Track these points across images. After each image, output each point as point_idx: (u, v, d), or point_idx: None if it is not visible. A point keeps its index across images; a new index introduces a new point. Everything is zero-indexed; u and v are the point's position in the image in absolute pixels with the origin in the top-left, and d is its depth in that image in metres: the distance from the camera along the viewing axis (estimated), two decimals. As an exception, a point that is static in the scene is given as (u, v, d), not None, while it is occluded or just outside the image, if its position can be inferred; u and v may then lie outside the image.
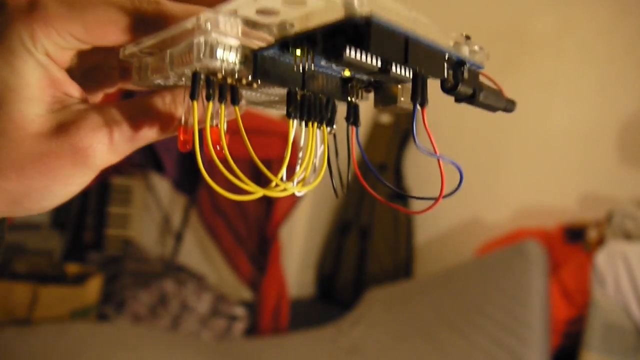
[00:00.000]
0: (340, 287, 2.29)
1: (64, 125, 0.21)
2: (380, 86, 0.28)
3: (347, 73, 0.27)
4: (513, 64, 2.15)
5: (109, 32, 0.22)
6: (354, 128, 0.28)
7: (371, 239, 2.24)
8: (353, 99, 0.27)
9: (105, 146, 0.22)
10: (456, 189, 0.26)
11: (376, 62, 0.22)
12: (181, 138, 0.23)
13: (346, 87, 0.27)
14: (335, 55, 0.20)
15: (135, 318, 1.31)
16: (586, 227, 1.63)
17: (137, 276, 1.46)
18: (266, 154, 1.36)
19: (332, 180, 0.28)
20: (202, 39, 0.20)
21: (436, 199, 0.25)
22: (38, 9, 0.20)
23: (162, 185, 2.07)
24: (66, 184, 0.22)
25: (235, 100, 0.23)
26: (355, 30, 0.20)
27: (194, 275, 1.66)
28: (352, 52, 0.20)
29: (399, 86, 0.28)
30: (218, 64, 0.21)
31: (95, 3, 0.21)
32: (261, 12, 0.21)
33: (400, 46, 0.22)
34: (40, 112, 0.21)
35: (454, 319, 1.37)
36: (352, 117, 0.27)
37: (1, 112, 0.20)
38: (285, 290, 1.59)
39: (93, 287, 1.23)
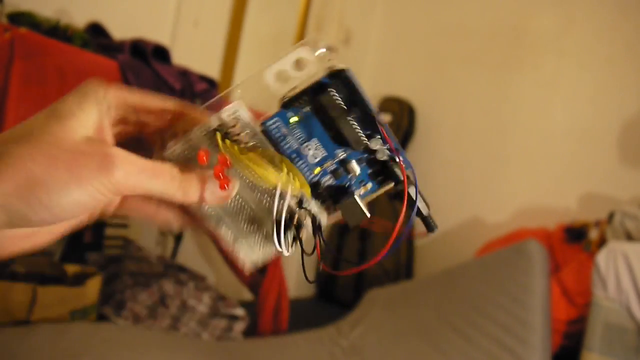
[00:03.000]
0: (340, 287, 2.28)
1: (100, 140, 0.26)
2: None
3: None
4: (513, 63, 2.15)
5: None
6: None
7: (371, 239, 2.23)
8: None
9: (129, 163, 0.25)
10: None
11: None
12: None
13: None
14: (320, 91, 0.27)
15: (135, 318, 1.31)
16: (587, 227, 1.63)
17: (137, 276, 1.46)
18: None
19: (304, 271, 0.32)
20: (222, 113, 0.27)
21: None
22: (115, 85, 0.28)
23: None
24: (84, 186, 0.24)
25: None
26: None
27: (194, 275, 1.66)
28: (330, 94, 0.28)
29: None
30: (227, 119, 0.27)
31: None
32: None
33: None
34: (87, 134, 0.26)
35: (454, 319, 1.37)
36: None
37: (58, 123, 0.25)
38: (285, 290, 1.59)
39: (93, 288, 1.23)
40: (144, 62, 1.07)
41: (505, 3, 2.20)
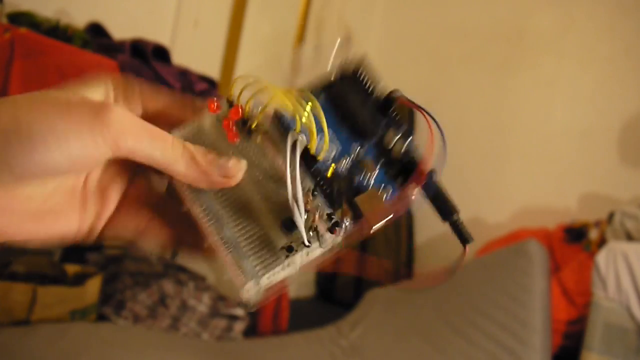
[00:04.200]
0: (340, 287, 2.28)
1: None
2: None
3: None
4: (513, 63, 2.15)
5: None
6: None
7: (371, 239, 2.23)
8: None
9: (129, 118, 0.23)
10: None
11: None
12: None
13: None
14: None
15: (135, 318, 1.31)
16: (587, 227, 1.63)
17: (137, 276, 1.46)
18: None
19: None
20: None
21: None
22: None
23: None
24: (74, 140, 0.21)
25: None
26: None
27: (194, 275, 1.66)
28: None
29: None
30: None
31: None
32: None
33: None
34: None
35: (454, 319, 1.37)
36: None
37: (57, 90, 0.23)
38: (285, 290, 1.59)
39: (92, 288, 1.23)
40: (144, 62, 1.07)
41: (505, 3, 2.20)
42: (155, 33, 1.39)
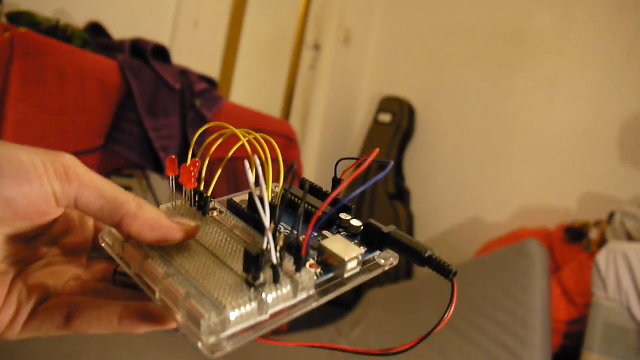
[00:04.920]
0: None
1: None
2: None
3: None
4: (513, 63, 2.15)
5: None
6: None
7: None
8: None
9: (82, 165, 0.23)
10: None
11: None
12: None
13: None
14: None
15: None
16: (587, 227, 1.63)
17: (137, 276, 1.46)
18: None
19: None
20: None
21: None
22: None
23: (162, 186, 2.07)
24: (36, 179, 0.21)
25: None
26: None
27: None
28: None
29: None
30: None
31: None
32: None
33: None
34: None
35: (454, 319, 1.37)
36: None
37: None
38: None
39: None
40: (144, 62, 1.07)
41: (505, 3, 2.20)
42: (155, 33, 1.39)
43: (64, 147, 0.91)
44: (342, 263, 0.26)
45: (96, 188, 0.23)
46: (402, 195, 2.27)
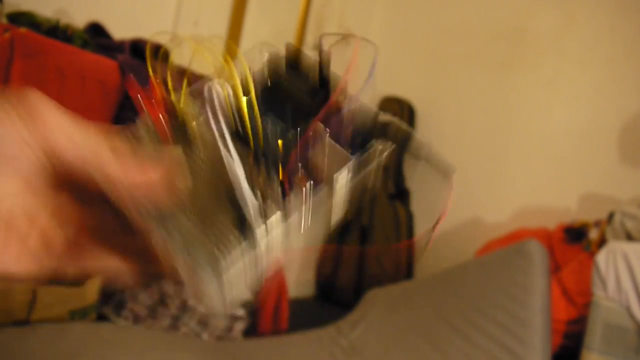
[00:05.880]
0: (340, 287, 2.28)
1: None
2: None
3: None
4: (513, 63, 2.15)
5: None
6: None
7: (371, 239, 2.23)
8: None
9: (60, 114, 0.21)
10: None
11: None
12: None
13: None
14: None
15: (135, 318, 1.31)
16: (587, 227, 1.63)
17: (137, 276, 1.46)
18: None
19: None
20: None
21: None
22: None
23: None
24: (7, 130, 0.20)
25: None
26: None
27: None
28: None
29: None
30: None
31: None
32: None
33: None
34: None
35: (454, 319, 1.37)
36: None
37: None
38: (285, 290, 1.59)
39: (92, 288, 1.23)
40: (144, 62, 1.07)
41: (505, 3, 2.20)
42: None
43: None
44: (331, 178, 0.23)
45: (76, 153, 0.21)
46: (402, 195, 2.27)
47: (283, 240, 0.23)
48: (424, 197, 2.28)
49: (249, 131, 0.23)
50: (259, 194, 0.22)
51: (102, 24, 1.19)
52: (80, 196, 0.24)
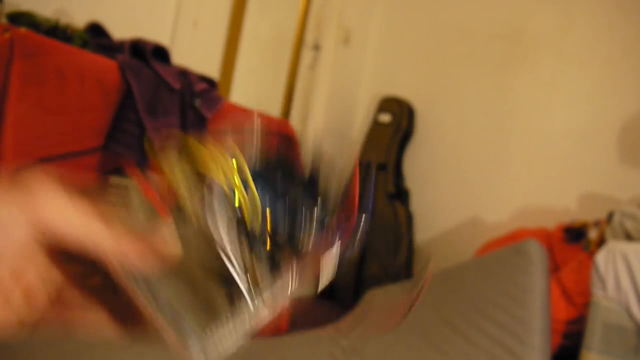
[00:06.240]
0: (340, 287, 2.28)
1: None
2: None
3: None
4: (513, 64, 2.15)
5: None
6: None
7: (371, 239, 2.23)
8: None
9: (56, 190, 0.22)
10: None
11: None
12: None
13: None
14: None
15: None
16: (586, 227, 1.63)
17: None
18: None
19: None
20: None
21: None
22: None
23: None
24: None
25: None
26: None
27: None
28: None
29: None
30: None
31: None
32: None
33: None
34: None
35: (454, 319, 1.37)
36: None
37: None
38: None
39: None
40: (144, 62, 1.07)
41: (505, 3, 2.20)
42: (155, 33, 1.39)
43: (64, 147, 0.91)
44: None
45: (72, 232, 0.22)
46: (401, 195, 2.27)
47: (271, 305, 0.24)
48: (424, 197, 2.28)
49: (246, 212, 0.24)
50: (248, 268, 0.23)
51: (102, 24, 1.19)
52: (67, 256, 0.25)
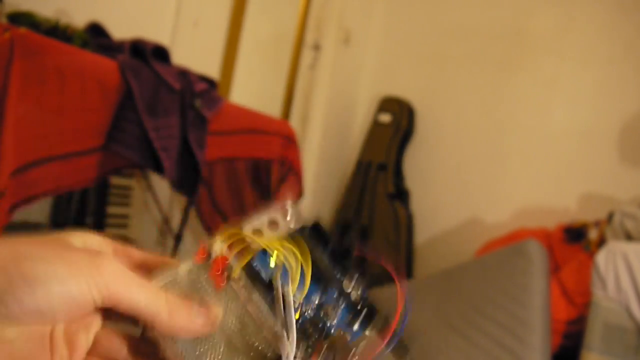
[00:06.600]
0: (340, 287, 2.28)
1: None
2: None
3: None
4: (513, 63, 2.15)
5: None
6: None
7: (371, 239, 2.23)
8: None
9: (120, 267, 0.25)
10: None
11: None
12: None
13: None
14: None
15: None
16: (586, 227, 1.63)
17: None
18: (267, 153, 1.36)
19: None
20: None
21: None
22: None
23: (162, 186, 2.07)
24: (73, 274, 0.23)
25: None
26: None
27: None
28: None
29: None
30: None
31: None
32: None
33: None
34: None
35: (454, 319, 1.37)
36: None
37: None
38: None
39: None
40: (144, 62, 1.07)
41: (505, 3, 2.20)
42: (155, 33, 1.39)
43: (64, 147, 0.91)
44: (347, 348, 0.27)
45: (131, 303, 0.24)
46: (401, 195, 2.27)
47: None
48: (424, 197, 2.28)
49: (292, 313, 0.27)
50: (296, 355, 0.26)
51: (102, 24, 1.19)
52: (112, 316, 0.27)
